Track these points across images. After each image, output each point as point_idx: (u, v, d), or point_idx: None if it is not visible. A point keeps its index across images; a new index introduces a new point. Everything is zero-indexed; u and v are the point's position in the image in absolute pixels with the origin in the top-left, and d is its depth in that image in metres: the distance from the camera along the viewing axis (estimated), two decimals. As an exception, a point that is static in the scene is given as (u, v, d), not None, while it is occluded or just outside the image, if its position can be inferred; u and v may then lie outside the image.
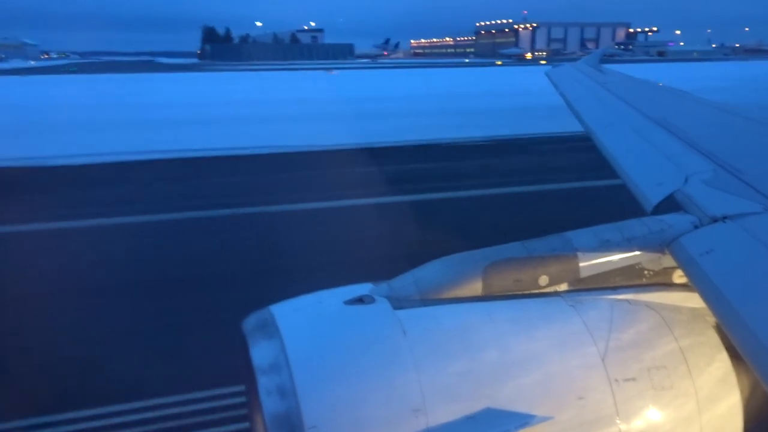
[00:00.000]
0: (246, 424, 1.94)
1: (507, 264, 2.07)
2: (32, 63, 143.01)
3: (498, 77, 74.49)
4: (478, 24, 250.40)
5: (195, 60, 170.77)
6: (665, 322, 2.02)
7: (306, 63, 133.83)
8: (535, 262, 2.08)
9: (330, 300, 2.00)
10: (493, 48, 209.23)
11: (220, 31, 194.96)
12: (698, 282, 1.94)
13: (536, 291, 2.08)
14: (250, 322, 1.94)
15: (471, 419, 1.75)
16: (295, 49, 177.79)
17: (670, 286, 2.16)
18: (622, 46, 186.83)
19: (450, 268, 2.07)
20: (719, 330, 2.02)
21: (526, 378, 1.84)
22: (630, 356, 1.93)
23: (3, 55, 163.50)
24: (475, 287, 2.03)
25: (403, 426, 1.72)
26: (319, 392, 1.73)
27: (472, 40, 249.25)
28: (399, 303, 1.96)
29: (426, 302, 1.98)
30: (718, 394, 1.97)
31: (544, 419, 1.80)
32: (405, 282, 2.05)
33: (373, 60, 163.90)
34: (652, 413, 1.89)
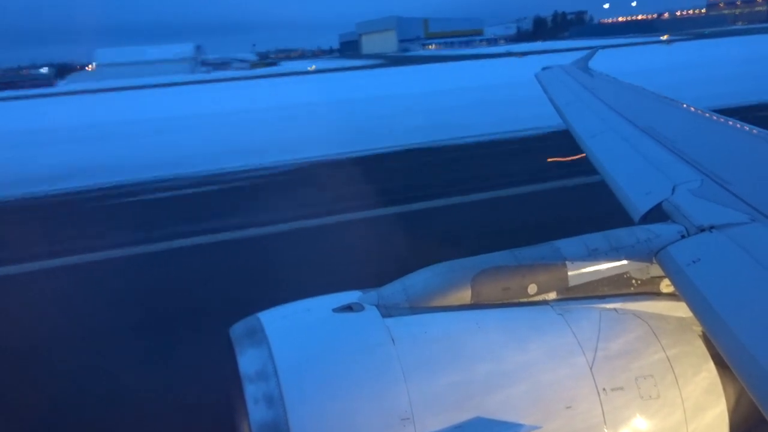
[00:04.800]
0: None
1: (496, 272, 2.06)
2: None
3: None
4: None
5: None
6: (653, 332, 2.03)
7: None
8: (524, 270, 2.08)
9: (318, 307, 1.99)
10: (734, 20, 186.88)
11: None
12: (685, 291, 1.95)
13: (525, 300, 2.08)
14: (237, 330, 1.92)
15: (459, 429, 1.75)
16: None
17: (657, 295, 2.17)
18: None
19: (439, 276, 2.07)
20: (706, 339, 2.03)
21: (514, 387, 1.84)
22: (618, 365, 1.93)
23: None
24: (464, 295, 2.02)
25: None
26: (307, 401, 1.71)
27: (700, 12, 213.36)
28: (388, 311, 1.95)
29: (415, 310, 1.97)
30: (704, 403, 1.98)
31: (532, 428, 1.80)
32: (394, 290, 2.05)
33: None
34: (640, 422, 1.90)
